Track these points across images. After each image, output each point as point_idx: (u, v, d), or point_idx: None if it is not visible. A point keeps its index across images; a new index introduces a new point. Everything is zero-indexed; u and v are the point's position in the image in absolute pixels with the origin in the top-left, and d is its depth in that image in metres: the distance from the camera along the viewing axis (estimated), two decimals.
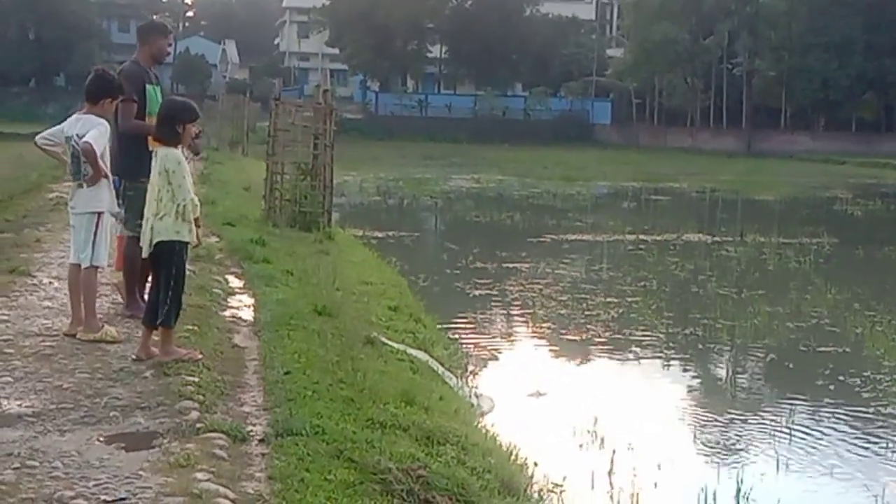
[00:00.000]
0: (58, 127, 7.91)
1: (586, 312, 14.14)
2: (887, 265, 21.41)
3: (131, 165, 8.07)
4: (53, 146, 7.83)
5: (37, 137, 8.03)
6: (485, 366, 11.06)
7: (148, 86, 8.27)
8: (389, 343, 9.05)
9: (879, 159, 60.30)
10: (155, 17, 8.46)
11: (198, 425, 5.62)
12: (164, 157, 6.90)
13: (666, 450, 8.36)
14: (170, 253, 6.89)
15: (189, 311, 8.48)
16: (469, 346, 11.75)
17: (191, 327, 7.97)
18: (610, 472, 7.57)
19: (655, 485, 7.45)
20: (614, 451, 7.92)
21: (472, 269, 17.74)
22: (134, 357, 6.96)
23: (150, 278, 7.38)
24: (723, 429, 9.43)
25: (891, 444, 8.89)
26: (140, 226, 8.04)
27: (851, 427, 9.40)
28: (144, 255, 7.01)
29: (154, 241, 6.87)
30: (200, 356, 7.04)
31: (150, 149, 8.11)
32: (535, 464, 6.95)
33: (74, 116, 7.81)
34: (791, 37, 72.49)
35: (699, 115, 77.61)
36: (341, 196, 27.03)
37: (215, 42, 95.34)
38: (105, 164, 7.54)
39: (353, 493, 4.97)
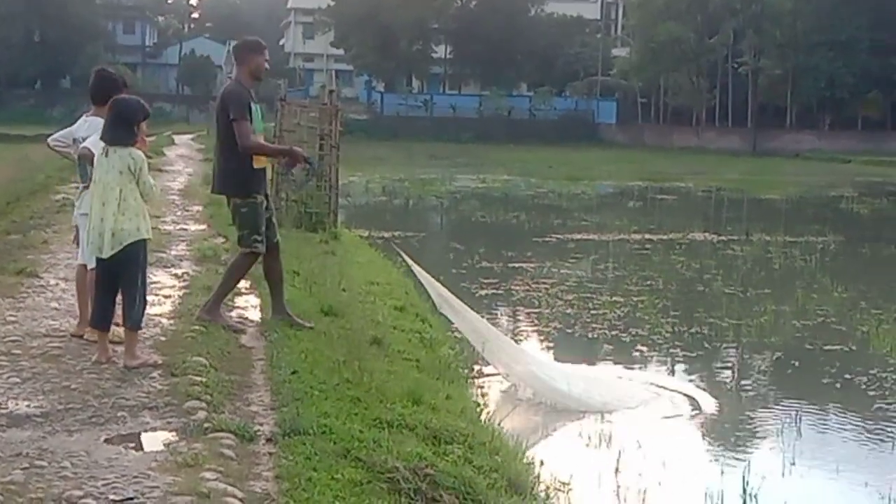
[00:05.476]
0: (69, 129, 7.98)
1: (592, 311, 14.14)
2: (893, 263, 21.43)
3: (242, 182, 8.14)
4: (66, 147, 7.92)
5: (49, 139, 8.13)
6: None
7: (252, 104, 8.15)
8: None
9: (885, 157, 60.23)
10: (247, 37, 7.77)
11: (205, 425, 5.65)
12: (129, 157, 6.76)
13: (672, 449, 8.38)
14: (137, 253, 6.85)
15: (196, 312, 8.50)
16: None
17: (198, 327, 8.00)
18: (616, 471, 7.58)
19: (660, 484, 7.45)
20: (621, 450, 7.93)
21: (478, 269, 17.75)
22: (94, 361, 6.89)
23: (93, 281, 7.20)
24: (729, 428, 9.45)
25: None
26: (257, 241, 8.11)
27: (858, 426, 9.41)
28: (105, 255, 6.79)
29: (125, 243, 6.75)
30: (161, 361, 6.99)
31: (256, 166, 8.17)
32: (542, 462, 6.97)
33: (83, 118, 7.86)
34: (796, 35, 72.29)
35: (704, 115, 77.50)
36: (347, 196, 27.00)
37: (220, 43, 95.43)
38: None
39: (361, 492, 4.99)
